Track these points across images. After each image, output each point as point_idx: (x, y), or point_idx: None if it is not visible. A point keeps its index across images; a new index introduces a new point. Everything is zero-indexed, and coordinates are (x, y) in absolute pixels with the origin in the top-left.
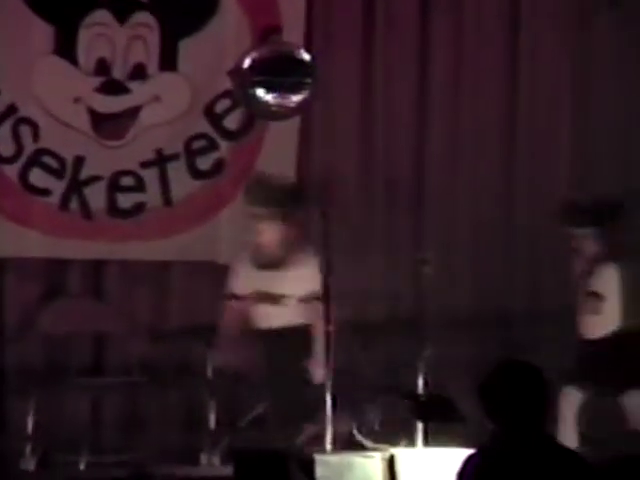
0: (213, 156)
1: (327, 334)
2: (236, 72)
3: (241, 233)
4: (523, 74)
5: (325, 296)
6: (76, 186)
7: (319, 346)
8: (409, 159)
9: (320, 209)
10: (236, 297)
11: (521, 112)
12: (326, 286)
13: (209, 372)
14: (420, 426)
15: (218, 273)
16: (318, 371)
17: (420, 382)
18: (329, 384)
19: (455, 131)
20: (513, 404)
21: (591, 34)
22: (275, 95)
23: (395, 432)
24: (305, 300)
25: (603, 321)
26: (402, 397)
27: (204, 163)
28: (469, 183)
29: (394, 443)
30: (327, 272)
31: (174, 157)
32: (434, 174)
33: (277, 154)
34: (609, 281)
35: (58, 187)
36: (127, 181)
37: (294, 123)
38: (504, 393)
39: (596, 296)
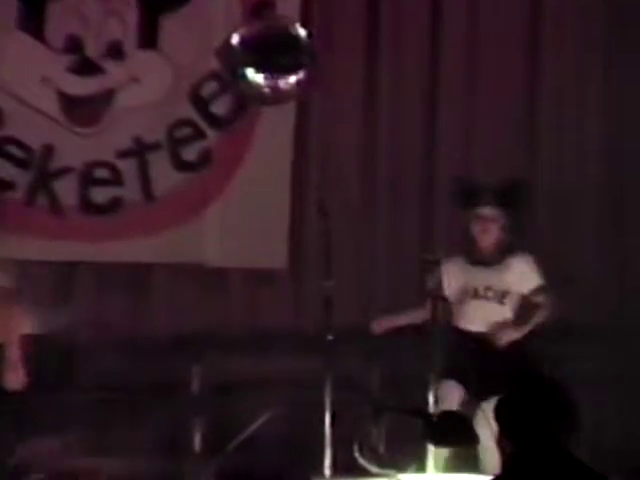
0: (199, 145)
1: (326, 343)
2: (224, 51)
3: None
4: (543, 74)
5: (325, 301)
6: (44, 179)
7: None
8: (416, 156)
9: (319, 207)
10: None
11: (541, 111)
12: (326, 290)
13: (194, 388)
14: (431, 449)
15: (205, 277)
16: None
17: (431, 398)
18: (327, 400)
19: (468, 129)
20: (534, 423)
21: (620, 29)
22: (268, 76)
23: (403, 455)
24: None
25: (502, 315)
26: (410, 415)
27: (189, 153)
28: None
29: (401, 468)
30: (327, 275)
31: (155, 146)
32: (443, 172)
33: (271, 144)
34: (518, 271)
35: (24, 180)
36: (102, 173)
37: (290, 109)
38: (523, 411)
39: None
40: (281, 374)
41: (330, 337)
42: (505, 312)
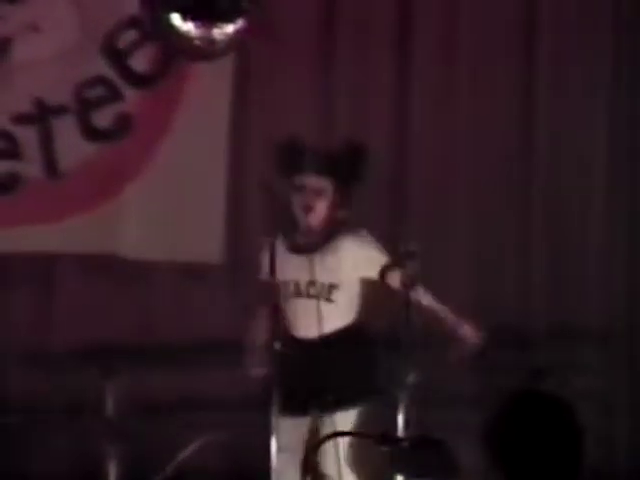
0: (115, 109)
1: (273, 354)
2: None
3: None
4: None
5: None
6: None
7: None
8: (384, 130)
9: (263, 188)
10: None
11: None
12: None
13: (109, 409)
14: None
15: (123, 272)
16: None
17: (400, 419)
18: (274, 422)
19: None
20: (532, 451)
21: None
22: (199, 24)
23: None
24: None
25: (334, 314)
26: (376, 440)
27: (102, 118)
28: (469, 168)
29: None
30: (273, 271)
31: (60, 110)
32: (420, 149)
33: (203, 108)
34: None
35: None
36: None
37: (227, 65)
38: (519, 436)
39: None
40: (217, 392)
41: (277, 346)
42: (335, 312)
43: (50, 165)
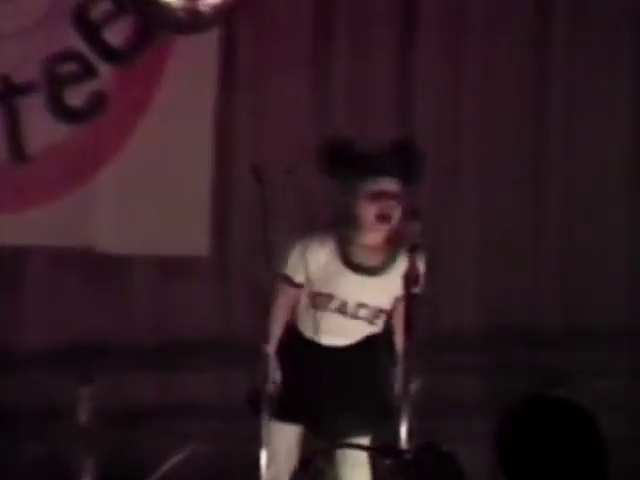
0: (88, 87)
1: (262, 354)
2: None
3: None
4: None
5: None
6: None
7: None
8: (387, 124)
9: (253, 172)
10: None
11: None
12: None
13: (82, 416)
14: None
15: (98, 267)
16: None
17: (403, 429)
18: (265, 430)
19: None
20: (547, 461)
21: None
22: None
23: None
24: None
25: (367, 331)
26: (377, 452)
27: (75, 97)
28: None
29: None
30: (268, 264)
31: (28, 88)
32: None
33: (186, 86)
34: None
35: None
36: None
37: (212, 40)
38: (533, 444)
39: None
40: (203, 396)
41: (270, 348)
42: (370, 330)
43: (16, 148)
